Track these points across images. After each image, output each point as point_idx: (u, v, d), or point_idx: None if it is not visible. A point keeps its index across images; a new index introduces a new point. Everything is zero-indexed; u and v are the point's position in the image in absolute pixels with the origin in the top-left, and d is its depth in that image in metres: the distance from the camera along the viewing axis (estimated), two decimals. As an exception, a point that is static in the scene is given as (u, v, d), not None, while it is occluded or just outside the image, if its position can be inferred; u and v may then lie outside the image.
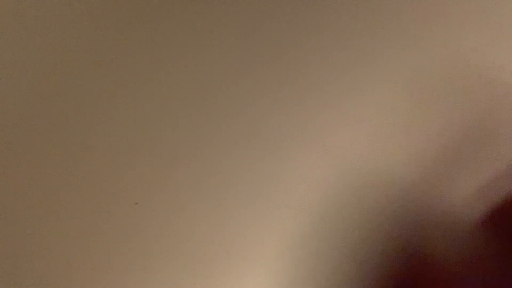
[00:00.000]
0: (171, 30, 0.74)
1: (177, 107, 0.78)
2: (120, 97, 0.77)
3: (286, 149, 0.82)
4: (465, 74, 0.81)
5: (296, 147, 0.82)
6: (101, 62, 0.74)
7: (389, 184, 0.86)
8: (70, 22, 0.72)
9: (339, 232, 0.87)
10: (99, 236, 0.80)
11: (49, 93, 0.75)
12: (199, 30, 0.75)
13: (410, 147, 0.83)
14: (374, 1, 0.78)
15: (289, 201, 0.85)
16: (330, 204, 0.86)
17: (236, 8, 0.75)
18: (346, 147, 0.82)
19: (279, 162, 0.83)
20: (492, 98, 0.81)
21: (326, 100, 0.81)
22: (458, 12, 0.78)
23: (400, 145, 0.83)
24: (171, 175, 0.81)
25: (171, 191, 0.81)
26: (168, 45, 0.75)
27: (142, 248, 0.81)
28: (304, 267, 0.86)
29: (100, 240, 0.80)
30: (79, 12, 0.73)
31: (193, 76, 0.77)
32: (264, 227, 0.85)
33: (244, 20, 0.76)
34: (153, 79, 0.76)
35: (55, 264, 0.79)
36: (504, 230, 0.76)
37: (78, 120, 0.76)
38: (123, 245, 0.81)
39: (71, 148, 0.77)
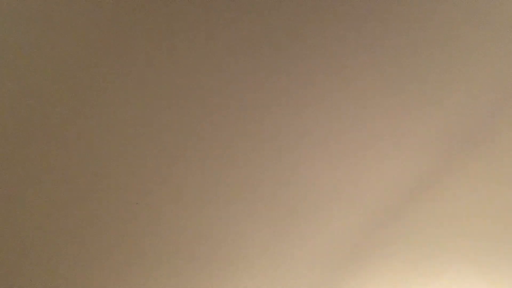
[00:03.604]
0: (175, 30, 0.74)
1: (178, 108, 0.78)
2: (121, 97, 0.76)
3: (289, 151, 0.82)
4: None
5: (297, 147, 0.82)
6: (102, 63, 0.74)
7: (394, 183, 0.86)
8: (70, 21, 0.72)
9: (341, 232, 0.87)
10: (100, 235, 0.80)
11: (49, 94, 0.75)
12: (210, 32, 0.75)
13: (412, 147, 0.84)
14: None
15: (289, 200, 0.85)
16: (330, 204, 0.86)
17: (252, 9, 0.74)
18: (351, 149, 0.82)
19: (279, 162, 0.83)
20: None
21: (334, 104, 0.80)
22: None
23: (404, 145, 0.83)
24: (171, 176, 0.81)
25: (171, 191, 0.81)
26: (171, 46, 0.74)
27: (142, 246, 0.81)
28: (305, 265, 0.86)
29: (101, 239, 0.80)
30: (79, 12, 0.73)
31: (194, 76, 0.77)
32: (264, 227, 0.85)
33: (265, 21, 0.75)
34: (154, 80, 0.76)
35: (56, 263, 0.79)
36: None
37: (78, 121, 0.76)
38: (124, 244, 0.81)
39: (72, 148, 0.77)
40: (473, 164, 0.86)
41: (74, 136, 0.77)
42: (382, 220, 0.89)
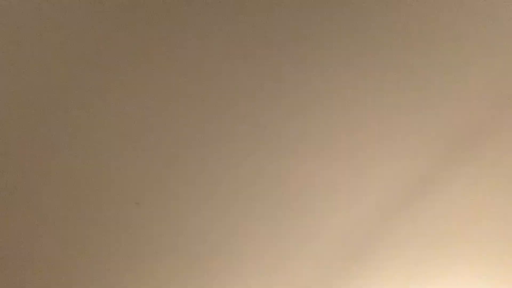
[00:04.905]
0: (173, 28, 0.74)
1: (178, 108, 0.78)
2: (121, 97, 0.76)
3: (288, 149, 0.82)
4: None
5: (299, 148, 0.82)
6: (102, 62, 0.74)
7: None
8: (69, 20, 0.72)
9: (341, 233, 0.87)
10: (100, 235, 0.80)
11: (49, 93, 0.74)
12: (208, 30, 0.75)
13: (411, 147, 0.84)
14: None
15: (289, 201, 0.85)
16: (330, 204, 0.86)
17: (252, 7, 0.73)
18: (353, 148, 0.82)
19: (280, 162, 0.83)
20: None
21: (332, 104, 0.80)
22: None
23: (403, 145, 0.83)
24: (172, 175, 0.81)
25: (172, 191, 0.81)
26: (169, 44, 0.75)
27: (143, 246, 0.81)
28: (306, 265, 0.86)
29: (102, 239, 0.80)
30: (78, 11, 0.73)
31: (194, 76, 0.77)
32: (265, 227, 0.85)
33: (265, 19, 0.74)
34: (154, 79, 0.76)
35: (57, 263, 0.79)
36: None
37: (79, 121, 0.76)
38: (124, 244, 0.81)
39: (72, 148, 0.77)
40: (474, 164, 0.86)
41: (74, 135, 0.77)
42: (382, 221, 0.88)
